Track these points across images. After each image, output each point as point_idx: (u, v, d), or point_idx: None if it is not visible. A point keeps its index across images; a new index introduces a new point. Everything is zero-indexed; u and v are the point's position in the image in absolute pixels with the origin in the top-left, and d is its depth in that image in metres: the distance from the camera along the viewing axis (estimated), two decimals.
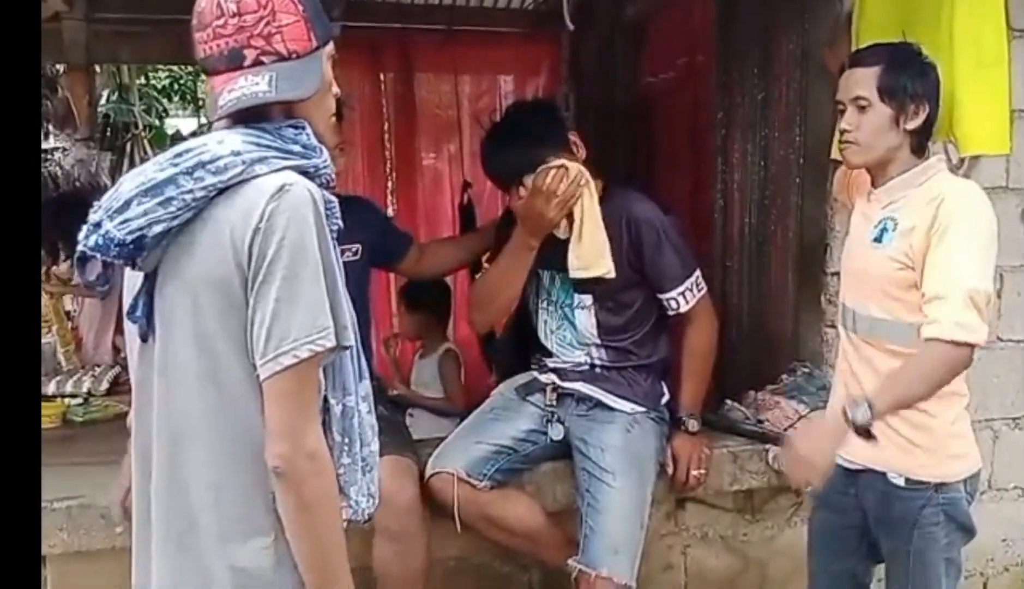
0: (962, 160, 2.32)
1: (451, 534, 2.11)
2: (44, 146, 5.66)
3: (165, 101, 10.41)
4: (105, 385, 2.90)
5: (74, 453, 2.25)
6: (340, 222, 1.29)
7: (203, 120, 10.30)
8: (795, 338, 2.61)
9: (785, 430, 2.36)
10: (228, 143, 1.19)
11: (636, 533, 2.04)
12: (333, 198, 1.27)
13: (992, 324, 2.43)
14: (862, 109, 1.78)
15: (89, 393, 2.85)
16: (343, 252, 1.35)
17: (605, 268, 2.08)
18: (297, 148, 1.24)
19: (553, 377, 2.25)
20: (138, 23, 4.04)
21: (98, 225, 1.19)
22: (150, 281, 1.24)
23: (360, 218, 2.13)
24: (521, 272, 2.17)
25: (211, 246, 1.18)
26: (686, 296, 2.18)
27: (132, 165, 5.76)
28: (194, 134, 7.60)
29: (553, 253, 2.13)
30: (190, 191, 1.17)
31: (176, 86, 10.39)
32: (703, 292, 2.22)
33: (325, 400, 1.25)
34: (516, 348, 2.43)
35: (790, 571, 2.42)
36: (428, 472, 2.10)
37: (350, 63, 3.92)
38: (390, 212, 4.23)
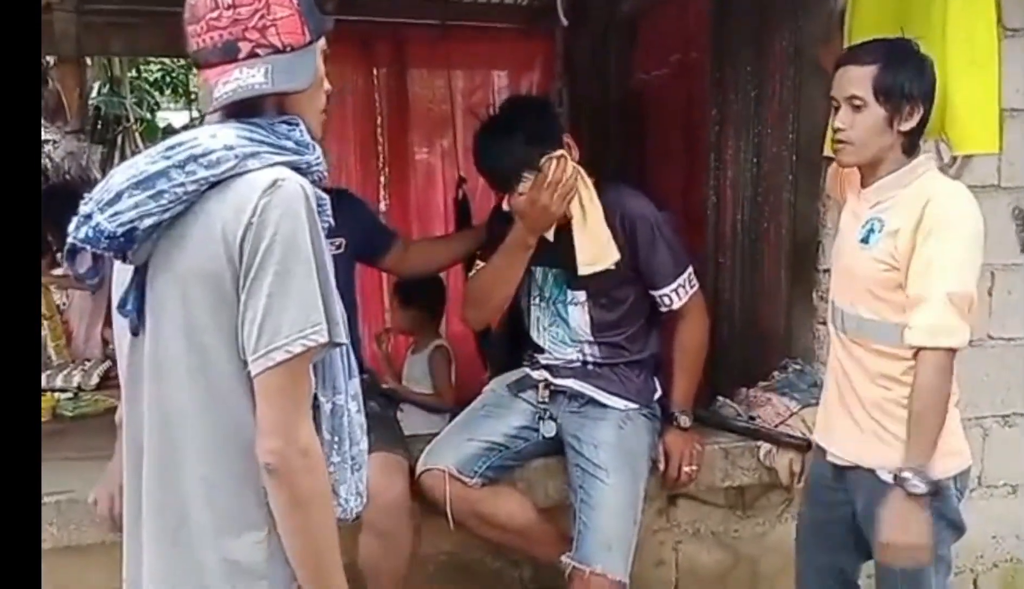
0: (954, 159, 2.33)
1: (442, 530, 2.10)
2: None
3: (156, 94, 10.35)
4: (95, 379, 2.89)
5: (64, 448, 2.24)
6: (332, 220, 1.28)
7: (195, 113, 10.26)
8: (787, 335, 2.62)
9: (776, 426, 2.37)
10: (221, 137, 1.19)
11: (629, 529, 2.04)
12: (325, 195, 1.27)
13: (983, 322, 2.45)
14: (857, 108, 1.77)
15: (79, 388, 2.84)
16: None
17: (612, 258, 2.07)
18: (290, 144, 1.23)
19: (545, 374, 2.25)
20: (129, 15, 4.02)
21: (88, 217, 1.19)
22: (140, 275, 1.24)
23: (345, 212, 2.11)
24: (517, 270, 2.16)
25: (202, 240, 1.18)
26: (679, 293, 2.19)
27: (123, 158, 5.72)
28: (186, 127, 7.58)
29: (546, 249, 2.13)
30: (181, 184, 1.16)
31: (168, 79, 10.32)
32: (695, 289, 2.22)
33: (315, 398, 1.25)
34: (509, 344, 2.43)
35: (781, 567, 2.43)
36: (419, 469, 2.09)
37: (343, 57, 3.90)
38: (382, 207, 4.22)
